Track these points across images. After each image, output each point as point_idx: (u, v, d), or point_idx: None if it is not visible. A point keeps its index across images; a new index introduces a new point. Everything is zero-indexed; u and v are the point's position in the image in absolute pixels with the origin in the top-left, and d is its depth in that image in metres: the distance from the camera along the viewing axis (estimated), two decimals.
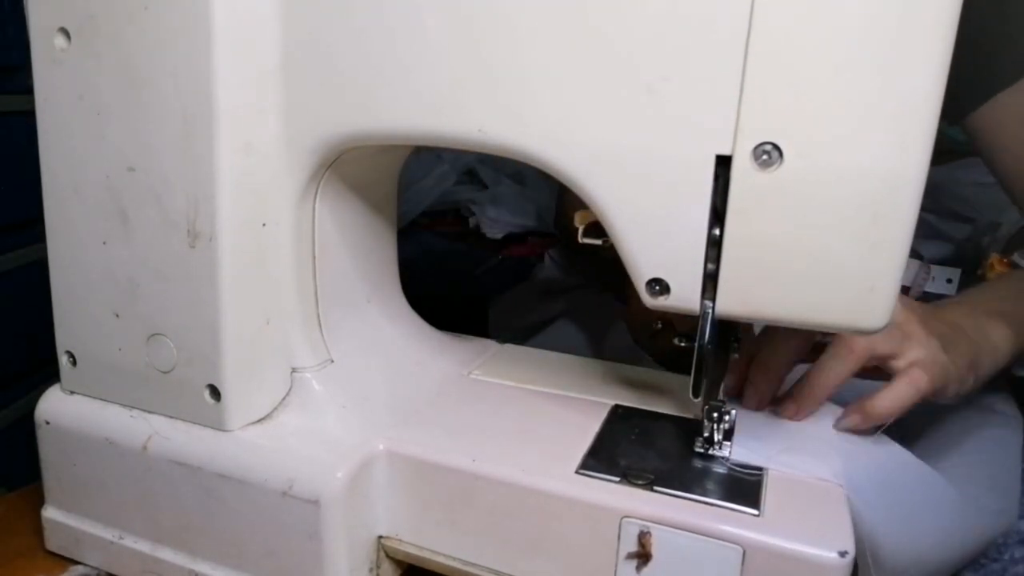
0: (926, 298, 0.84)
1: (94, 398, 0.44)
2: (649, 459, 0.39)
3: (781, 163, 0.31)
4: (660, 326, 0.56)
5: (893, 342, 0.42)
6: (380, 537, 0.41)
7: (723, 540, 0.34)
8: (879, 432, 0.41)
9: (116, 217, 0.40)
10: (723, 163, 0.32)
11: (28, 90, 0.40)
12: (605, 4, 0.32)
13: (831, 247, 0.32)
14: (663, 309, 0.35)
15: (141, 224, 0.39)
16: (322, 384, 0.42)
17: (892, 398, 0.41)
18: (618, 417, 0.44)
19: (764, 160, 0.31)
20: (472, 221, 1.10)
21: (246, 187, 0.38)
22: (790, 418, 0.43)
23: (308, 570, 0.39)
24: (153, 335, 0.41)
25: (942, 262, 0.89)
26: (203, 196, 0.37)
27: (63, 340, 0.44)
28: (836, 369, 0.42)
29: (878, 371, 0.44)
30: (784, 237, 0.32)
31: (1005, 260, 0.61)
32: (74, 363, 0.44)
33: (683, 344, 0.38)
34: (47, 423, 0.44)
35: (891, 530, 0.36)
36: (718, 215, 0.33)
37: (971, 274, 0.86)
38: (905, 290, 0.80)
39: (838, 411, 0.43)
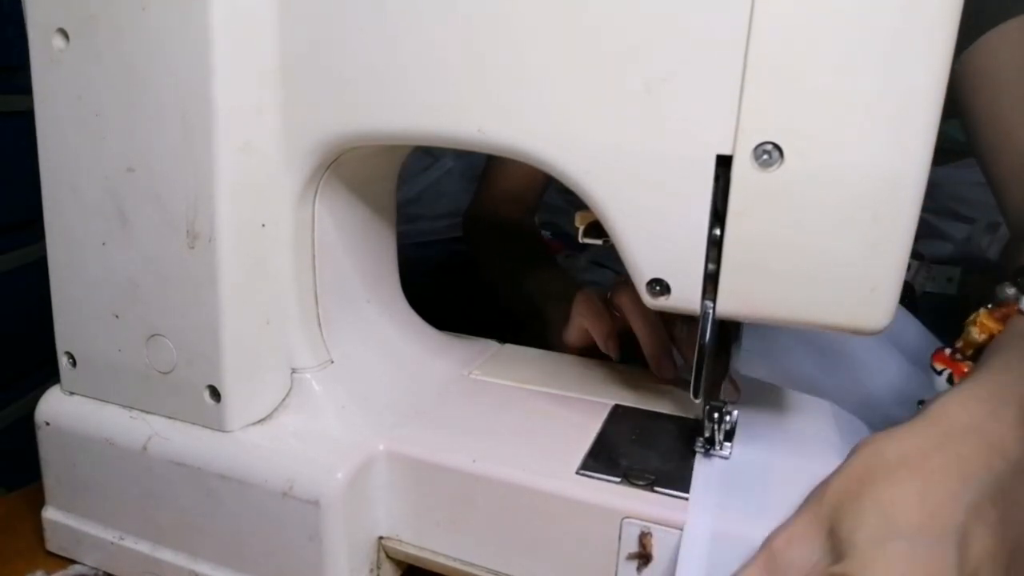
0: (927, 298, 0.84)
1: (94, 399, 0.44)
2: (650, 459, 0.39)
3: (782, 163, 0.31)
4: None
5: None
6: (380, 538, 0.41)
7: None
8: None
9: (115, 218, 0.40)
10: (723, 163, 0.32)
11: (28, 90, 0.40)
12: (604, 3, 0.32)
13: (832, 247, 0.31)
14: (663, 309, 0.35)
15: (140, 225, 0.39)
16: (322, 384, 0.42)
17: None
18: (619, 417, 0.44)
19: (765, 160, 0.31)
20: None
21: (246, 187, 0.38)
22: None
23: (309, 571, 0.39)
24: (153, 336, 0.41)
25: (942, 262, 0.89)
26: (202, 196, 0.37)
27: (63, 341, 0.44)
28: None
29: None
30: (785, 237, 0.32)
31: (998, 312, 0.40)
32: (74, 364, 0.44)
33: (685, 331, 0.38)
34: (47, 424, 0.44)
35: None
36: (718, 215, 0.33)
37: (971, 273, 0.86)
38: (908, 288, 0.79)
39: (839, 413, 0.43)
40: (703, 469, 0.38)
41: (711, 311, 0.34)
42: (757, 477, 0.37)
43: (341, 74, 0.37)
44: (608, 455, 0.39)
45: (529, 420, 0.43)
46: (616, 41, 0.32)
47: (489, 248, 0.73)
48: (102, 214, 0.40)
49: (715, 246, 0.33)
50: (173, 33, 0.36)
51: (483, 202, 0.73)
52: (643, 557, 0.35)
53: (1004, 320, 0.39)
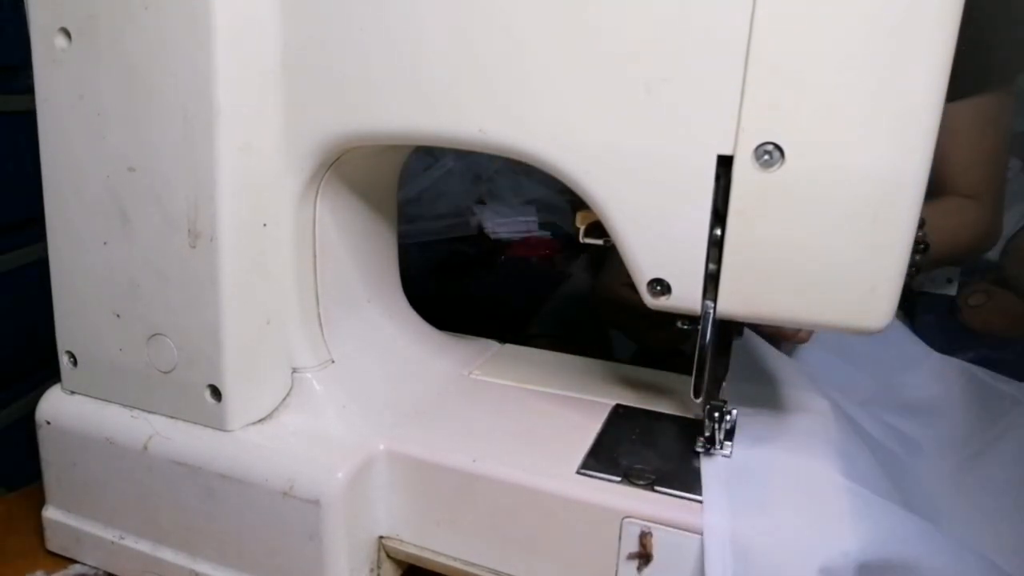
0: (925, 298, 0.84)
1: (95, 398, 0.44)
2: (650, 459, 0.39)
3: (782, 163, 0.31)
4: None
5: None
6: (381, 537, 0.41)
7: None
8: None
9: (116, 217, 0.40)
10: (724, 163, 0.32)
11: (28, 90, 0.40)
12: (605, 4, 0.32)
13: (832, 247, 0.32)
14: (664, 309, 0.35)
15: (142, 224, 0.39)
16: (323, 384, 0.42)
17: None
18: (619, 417, 0.44)
19: (765, 160, 0.31)
20: (474, 221, 1.10)
21: (246, 187, 0.38)
22: None
23: (309, 570, 0.39)
24: (154, 335, 0.41)
25: None
26: (204, 196, 0.37)
27: (64, 340, 0.44)
28: None
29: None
30: (785, 237, 0.32)
31: None
32: (75, 363, 0.44)
33: (686, 327, 0.38)
34: (48, 423, 0.44)
35: None
36: (719, 215, 0.33)
37: (971, 274, 0.86)
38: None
39: (838, 412, 0.43)
40: (711, 470, 0.37)
41: (711, 311, 0.34)
42: (761, 476, 0.37)
43: (342, 74, 0.37)
44: (608, 455, 0.39)
45: (529, 420, 0.43)
46: (617, 41, 0.32)
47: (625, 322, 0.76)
48: (103, 213, 0.40)
49: (716, 246, 0.33)
50: (175, 33, 0.36)
51: (606, 287, 0.76)
52: (643, 557, 0.35)
53: None
